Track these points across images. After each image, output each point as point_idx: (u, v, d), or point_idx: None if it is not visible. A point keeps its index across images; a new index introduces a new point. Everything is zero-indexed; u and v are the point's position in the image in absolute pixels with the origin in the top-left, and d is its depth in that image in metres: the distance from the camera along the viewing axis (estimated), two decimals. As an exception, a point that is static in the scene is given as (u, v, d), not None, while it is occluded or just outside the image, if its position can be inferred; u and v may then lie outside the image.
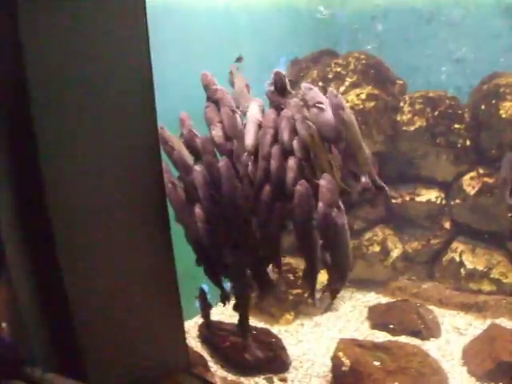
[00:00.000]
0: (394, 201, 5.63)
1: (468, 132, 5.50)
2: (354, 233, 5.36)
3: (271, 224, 3.18)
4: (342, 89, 5.59)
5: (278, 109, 3.26)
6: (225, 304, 3.63)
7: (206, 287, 3.85)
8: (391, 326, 4.72)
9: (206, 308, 3.88)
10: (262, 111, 3.35)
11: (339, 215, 2.96)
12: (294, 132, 3.12)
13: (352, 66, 5.74)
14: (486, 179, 5.33)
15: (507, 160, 4.58)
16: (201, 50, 6.10)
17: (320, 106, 3.13)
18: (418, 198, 5.65)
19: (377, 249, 5.59)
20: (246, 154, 3.17)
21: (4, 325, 2.63)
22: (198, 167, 3.32)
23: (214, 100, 3.45)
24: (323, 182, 2.95)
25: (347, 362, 3.85)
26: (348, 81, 5.68)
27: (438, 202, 5.60)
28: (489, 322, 4.68)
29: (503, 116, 5.14)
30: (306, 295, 4.56)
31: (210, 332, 4.34)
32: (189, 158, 3.45)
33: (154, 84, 2.72)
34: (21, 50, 2.24)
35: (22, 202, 2.47)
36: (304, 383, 4.08)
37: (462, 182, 5.47)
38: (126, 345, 2.84)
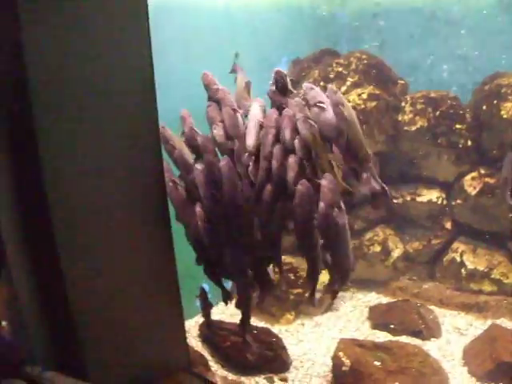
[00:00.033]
0: (395, 201, 5.62)
1: (469, 132, 5.49)
2: (354, 233, 5.37)
3: (272, 224, 3.17)
4: (343, 88, 5.57)
5: (280, 108, 3.25)
6: (227, 303, 3.62)
7: (206, 286, 3.84)
8: (392, 326, 4.71)
9: (206, 307, 3.87)
10: (264, 111, 3.34)
11: (340, 215, 2.95)
12: (295, 131, 3.12)
13: (353, 66, 5.73)
14: (487, 179, 5.32)
15: (508, 160, 4.57)
16: (201, 49, 6.09)
17: (321, 105, 3.12)
18: (419, 198, 5.64)
19: (378, 249, 5.58)
20: (247, 154, 3.17)
21: (4, 324, 2.64)
22: (198, 166, 3.32)
23: (215, 100, 3.45)
24: (324, 181, 2.94)
25: (348, 361, 3.85)
26: (349, 81, 5.67)
27: (439, 202, 5.59)
28: (489, 322, 4.68)
29: (504, 116, 5.13)
30: (306, 295, 4.55)
31: (211, 331, 4.34)
32: (190, 157, 3.44)
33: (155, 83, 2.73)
34: (21, 50, 2.24)
35: (22, 202, 2.47)
36: (304, 383, 4.07)
37: (463, 182, 5.46)
38: (126, 344, 2.84)
